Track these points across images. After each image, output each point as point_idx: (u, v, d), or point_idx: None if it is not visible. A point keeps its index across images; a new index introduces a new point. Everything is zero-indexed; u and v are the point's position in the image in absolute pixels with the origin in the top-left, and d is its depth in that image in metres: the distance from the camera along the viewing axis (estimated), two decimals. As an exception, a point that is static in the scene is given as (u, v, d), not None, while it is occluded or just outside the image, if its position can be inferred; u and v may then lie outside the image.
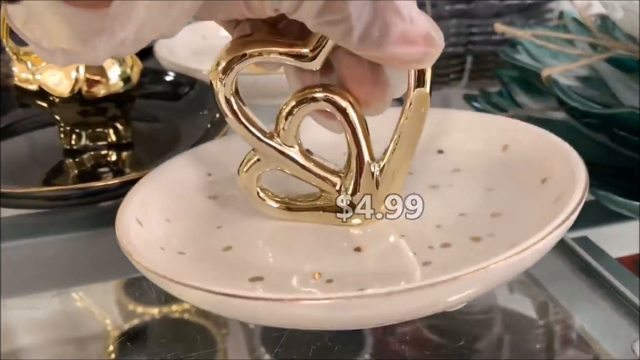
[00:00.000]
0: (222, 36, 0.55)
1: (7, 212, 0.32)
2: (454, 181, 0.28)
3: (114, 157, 0.36)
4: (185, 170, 0.29)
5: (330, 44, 0.21)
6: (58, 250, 0.34)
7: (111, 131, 0.36)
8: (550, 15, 0.61)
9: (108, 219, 0.32)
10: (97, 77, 0.34)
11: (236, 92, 0.23)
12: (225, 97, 0.23)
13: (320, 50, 0.22)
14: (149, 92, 0.41)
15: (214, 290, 0.18)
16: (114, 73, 0.34)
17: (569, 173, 0.23)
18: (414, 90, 0.23)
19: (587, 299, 0.28)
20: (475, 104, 0.48)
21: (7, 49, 0.32)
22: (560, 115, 0.43)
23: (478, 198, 0.26)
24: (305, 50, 0.22)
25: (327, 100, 0.23)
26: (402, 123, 0.24)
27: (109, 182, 0.30)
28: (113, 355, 0.29)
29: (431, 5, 0.60)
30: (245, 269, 0.23)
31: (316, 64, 0.22)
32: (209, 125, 0.35)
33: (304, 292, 0.21)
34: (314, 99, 0.23)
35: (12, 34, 0.33)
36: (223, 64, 0.22)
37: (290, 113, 0.23)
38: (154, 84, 0.41)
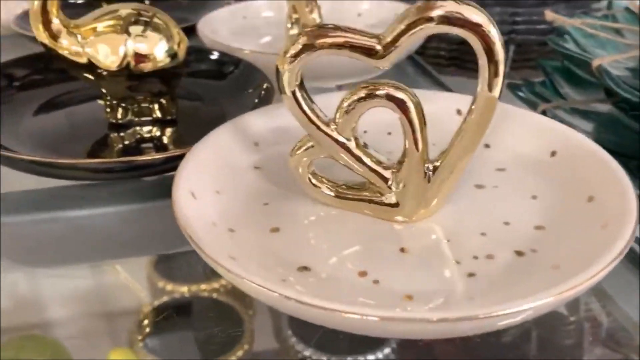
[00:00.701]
0: (262, 17, 0.56)
1: (50, 183, 0.32)
2: (499, 182, 0.28)
3: (158, 133, 0.36)
4: (232, 139, 0.29)
5: (406, 45, 0.21)
6: (101, 222, 0.34)
7: (156, 107, 0.36)
8: (597, 5, 0.59)
9: (151, 193, 0.32)
10: (144, 52, 0.34)
11: (301, 84, 0.24)
12: (289, 84, 0.23)
13: (393, 50, 0.21)
14: (194, 70, 0.40)
15: (273, 289, 0.19)
16: (161, 49, 0.35)
17: (619, 198, 0.23)
18: (482, 93, 0.22)
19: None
20: (520, 94, 0.48)
21: (58, 22, 0.33)
22: (605, 107, 0.42)
23: (522, 206, 0.26)
24: (378, 47, 0.22)
25: (389, 98, 0.23)
26: (463, 127, 0.23)
27: (154, 157, 0.30)
28: (141, 330, 0.29)
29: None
30: (292, 256, 0.23)
31: (385, 64, 0.22)
32: (256, 101, 0.35)
33: (354, 297, 0.21)
34: (376, 96, 0.23)
35: (63, 7, 0.33)
36: (292, 52, 0.22)
37: (351, 106, 0.23)
38: (198, 62, 0.41)
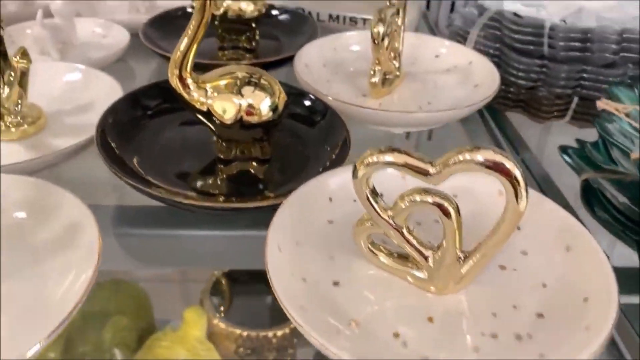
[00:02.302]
0: (352, 51, 0.64)
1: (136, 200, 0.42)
2: (519, 265, 0.35)
3: (256, 169, 0.45)
4: (312, 196, 0.38)
5: (452, 172, 0.29)
6: (199, 241, 0.44)
7: (256, 148, 0.45)
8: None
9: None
10: (253, 109, 0.42)
11: (373, 191, 0.32)
12: (361, 183, 0.31)
13: (442, 174, 0.29)
14: (289, 112, 0.49)
15: (325, 346, 0.27)
16: (265, 105, 0.43)
17: (605, 305, 0.29)
18: (510, 207, 0.29)
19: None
20: (567, 158, 0.53)
21: (190, 76, 0.42)
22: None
23: (532, 293, 0.33)
24: (431, 170, 0.29)
25: (436, 204, 0.30)
26: (496, 229, 0.31)
27: (250, 205, 0.39)
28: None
29: (548, 45, 0.63)
30: (346, 309, 0.32)
31: (436, 181, 0.29)
32: (334, 153, 0.44)
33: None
34: (426, 202, 0.30)
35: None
36: (367, 161, 0.30)
37: (406, 203, 0.31)
38: (293, 105, 0.49)
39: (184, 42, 0.41)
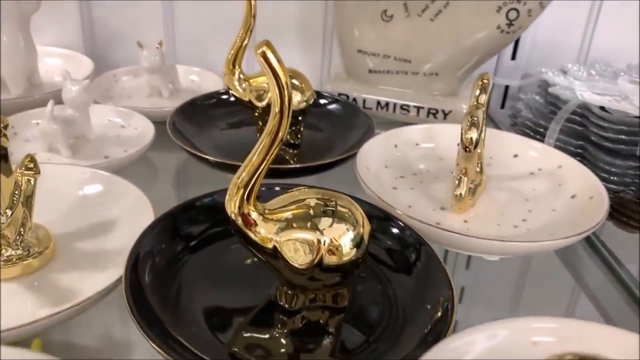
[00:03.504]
0: (417, 148, 0.54)
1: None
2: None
3: (326, 320, 0.35)
4: None
5: None
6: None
7: (330, 296, 0.35)
8: None
9: None
10: (333, 247, 0.32)
11: None
12: None
13: None
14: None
15: None
16: (347, 239, 0.33)
17: None
18: None
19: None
20: None
21: (255, 213, 0.32)
22: None
23: None
24: None
25: None
26: None
27: None
28: None
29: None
30: None
31: None
32: (434, 320, 0.33)
33: None
34: None
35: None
36: None
37: None
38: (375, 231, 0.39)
39: (250, 167, 0.31)
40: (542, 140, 0.59)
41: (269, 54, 0.28)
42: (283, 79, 0.28)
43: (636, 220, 0.56)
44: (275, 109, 0.29)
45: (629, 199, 0.56)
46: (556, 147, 0.57)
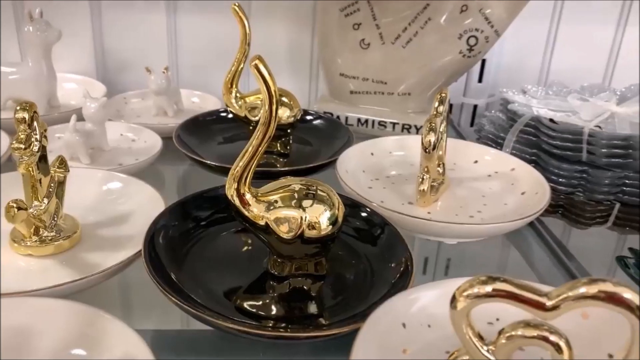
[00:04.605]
0: (390, 155, 0.62)
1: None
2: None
3: (309, 286, 0.42)
4: (383, 322, 0.34)
5: (569, 307, 0.26)
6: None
7: (312, 265, 0.42)
8: None
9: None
10: (313, 223, 0.40)
11: (472, 325, 0.29)
12: (460, 317, 0.28)
13: (559, 309, 0.26)
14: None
15: None
16: (325, 217, 0.40)
17: None
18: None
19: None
20: (628, 269, 0.51)
21: (249, 194, 0.40)
22: None
23: None
24: (548, 304, 0.26)
25: (541, 338, 0.27)
26: None
27: (307, 334, 0.36)
28: None
29: (587, 151, 0.63)
30: None
31: (551, 317, 0.26)
32: (397, 276, 0.41)
33: None
34: (533, 337, 0.27)
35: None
36: (467, 293, 0.27)
37: (509, 338, 0.28)
38: (350, 216, 0.47)
39: (245, 157, 0.39)
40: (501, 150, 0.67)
41: (260, 66, 0.36)
42: (271, 83, 0.36)
43: (585, 217, 0.64)
44: (265, 106, 0.37)
45: (579, 200, 0.65)
46: (513, 154, 0.65)
